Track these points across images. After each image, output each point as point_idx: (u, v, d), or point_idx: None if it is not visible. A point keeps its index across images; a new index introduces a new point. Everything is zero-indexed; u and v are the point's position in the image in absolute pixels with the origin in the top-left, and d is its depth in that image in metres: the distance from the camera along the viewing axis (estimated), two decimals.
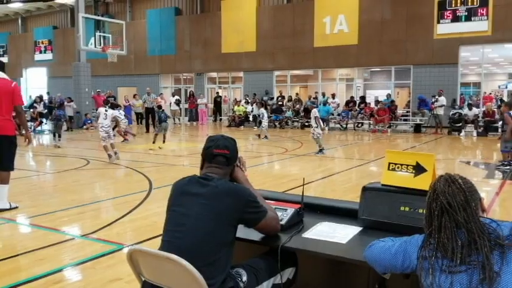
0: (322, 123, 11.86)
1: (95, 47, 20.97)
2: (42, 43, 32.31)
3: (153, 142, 13.41)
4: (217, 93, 26.08)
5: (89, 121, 20.93)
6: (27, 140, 6.13)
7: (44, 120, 20.61)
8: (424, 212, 1.76)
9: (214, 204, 2.11)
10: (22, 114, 5.96)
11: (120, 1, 29.15)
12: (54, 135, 14.12)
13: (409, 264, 1.75)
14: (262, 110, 16.28)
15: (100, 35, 21.27)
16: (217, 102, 25.03)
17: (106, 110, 10.79)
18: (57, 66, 30.96)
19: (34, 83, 33.21)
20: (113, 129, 12.55)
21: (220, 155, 2.27)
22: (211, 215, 2.09)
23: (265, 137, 15.42)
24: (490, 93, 25.10)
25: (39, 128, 19.71)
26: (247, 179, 2.44)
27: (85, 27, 20.03)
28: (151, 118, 19.98)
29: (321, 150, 11.55)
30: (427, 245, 1.67)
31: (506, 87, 26.00)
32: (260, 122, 16.02)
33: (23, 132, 6.38)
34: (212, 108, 25.55)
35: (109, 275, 3.80)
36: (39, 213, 5.88)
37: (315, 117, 11.48)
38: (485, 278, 1.53)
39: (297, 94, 23.71)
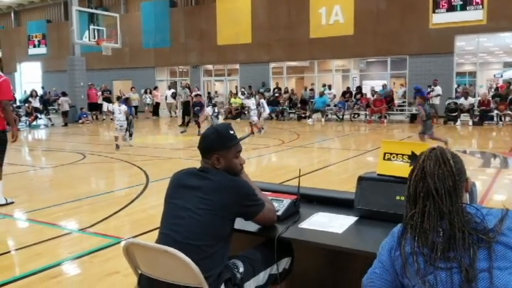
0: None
1: (89, 40, 20.84)
2: (36, 37, 32.07)
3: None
4: (186, 85, 19.98)
5: (85, 115, 20.84)
6: (13, 136, 6.00)
7: (39, 114, 20.51)
8: (407, 189, 1.58)
9: (212, 198, 2.10)
10: (7, 109, 5.81)
11: None
12: None
13: (395, 271, 1.55)
14: (263, 100, 16.01)
15: (94, 28, 21.13)
16: (186, 102, 18.51)
17: (119, 105, 11.94)
18: (51, 60, 30.76)
19: (28, 78, 33.01)
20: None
21: (199, 148, 2.31)
22: (209, 208, 2.08)
23: (262, 128, 15.30)
24: (502, 83, 25.02)
25: (34, 123, 19.63)
26: (245, 172, 2.44)
27: (79, 20, 19.90)
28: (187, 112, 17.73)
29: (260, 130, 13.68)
30: (408, 232, 1.51)
31: (502, 76, 26.03)
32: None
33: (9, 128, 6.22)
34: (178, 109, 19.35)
35: (106, 268, 3.80)
36: (36, 208, 5.87)
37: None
38: (465, 279, 1.38)
39: (292, 90, 23.38)
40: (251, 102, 15.03)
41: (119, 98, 14.19)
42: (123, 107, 11.89)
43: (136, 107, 22.68)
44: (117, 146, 11.41)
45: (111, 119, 13.59)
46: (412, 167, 1.59)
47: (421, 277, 1.44)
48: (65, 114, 20.03)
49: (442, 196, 1.47)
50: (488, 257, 1.39)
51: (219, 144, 2.25)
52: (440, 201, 1.47)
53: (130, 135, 12.53)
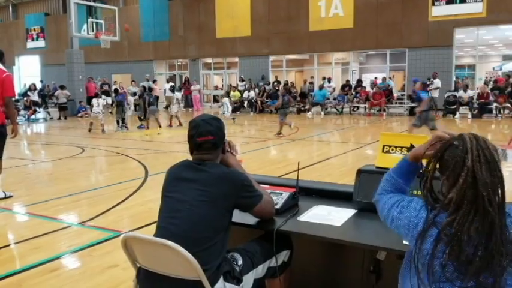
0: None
1: (88, 33, 20.75)
2: (34, 30, 31.91)
3: (159, 126, 14.43)
4: (148, 79, 21.08)
5: (83, 109, 20.75)
6: (13, 132, 6.00)
7: (38, 108, 20.44)
8: (445, 179, 1.43)
9: (210, 190, 2.10)
10: (10, 106, 5.84)
11: None
12: None
13: (397, 231, 1.57)
14: (226, 99, 17.00)
15: (92, 21, 21.02)
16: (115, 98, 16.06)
17: (97, 100, 14.43)
18: (50, 53, 30.62)
19: (27, 71, 32.87)
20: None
21: (205, 142, 2.22)
22: (207, 200, 2.08)
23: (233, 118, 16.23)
24: (499, 75, 24.97)
25: (33, 117, 19.59)
26: (240, 164, 2.43)
27: (77, 13, 19.80)
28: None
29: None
30: (441, 240, 1.36)
31: (501, 69, 25.98)
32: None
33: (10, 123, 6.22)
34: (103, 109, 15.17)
35: (106, 261, 3.81)
36: (35, 201, 5.87)
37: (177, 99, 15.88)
38: None
39: (291, 83, 23.26)
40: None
41: (97, 95, 15.68)
42: (100, 101, 14.46)
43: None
44: (90, 130, 14.10)
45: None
46: (454, 162, 1.41)
47: (434, 282, 1.37)
48: (62, 107, 19.94)
49: (496, 209, 1.32)
50: None
51: (223, 134, 2.32)
52: (496, 217, 1.32)
53: (123, 120, 14.77)
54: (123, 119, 14.79)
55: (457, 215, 1.35)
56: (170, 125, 15.03)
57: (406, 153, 1.75)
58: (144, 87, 16.14)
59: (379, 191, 1.79)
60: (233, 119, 16.38)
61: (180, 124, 14.86)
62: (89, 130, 14.17)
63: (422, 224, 1.45)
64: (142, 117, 15.05)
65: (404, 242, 1.70)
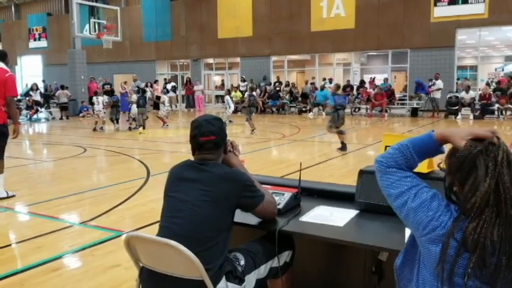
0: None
1: (90, 33, 20.77)
2: (37, 30, 31.96)
3: (143, 127, 14.43)
4: (134, 79, 20.86)
5: (85, 108, 20.78)
6: (15, 132, 6.01)
7: (40, 108, 20.47)
8: (470, 184, 1.36)
9: (212, 189, 2.11)
10: (12, 105, 5.86)
11: None
12: None
13: (406, 222, 1.50)
14: (227, 97, 16.73)
15: (95, 22, 21.05)
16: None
17: (97, 98, 14.80)
18: (52, 53, 30.68)
19: (29, 71, 32.91)
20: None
21: (208, 142, 2.23)
22: (209, 200, 2.09)
23: (230, 121, 15.86)
24: (501, 76, 24.94)
25: (35, 116, 19.62)
26: (242, 164, 2.44)
27: (79, 13, 19.83)
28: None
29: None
30: (462, 250, 1.33)
31: (503, 70, 25.94)
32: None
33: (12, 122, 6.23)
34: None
35: (108, 261, 3.81)
36: (37, 201, 5.88)
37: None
38: None
39: (293, 84, 23.31)
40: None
41: (96, 93, 15.91)
42: (100, 99, 14.75)
43: None
44: (95, 129, 14.35)
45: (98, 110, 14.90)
46: (478, 166, 1.36)
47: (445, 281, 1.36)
48: (63, 107, 19.95)
49: None
50: None
51: (224, 134, 2.33)
52: None
53: (117, 120, 14.97)
54: (117, 119, 15.00)
55: (480, 220, 1.32)
56: (165, 123, 15.23)
57: (432, 130, 1.56)
58: (137, 87, 16.27)
59: (389, 161, 1.59)
60: (230, 121, 15.91)
61: (163, 123, 15.21)
62: (94, 129, 14.35)
63: (442, 229, 1.40)
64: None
65: (407, 230, 1.65)
